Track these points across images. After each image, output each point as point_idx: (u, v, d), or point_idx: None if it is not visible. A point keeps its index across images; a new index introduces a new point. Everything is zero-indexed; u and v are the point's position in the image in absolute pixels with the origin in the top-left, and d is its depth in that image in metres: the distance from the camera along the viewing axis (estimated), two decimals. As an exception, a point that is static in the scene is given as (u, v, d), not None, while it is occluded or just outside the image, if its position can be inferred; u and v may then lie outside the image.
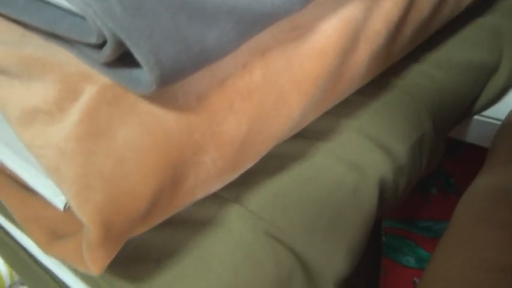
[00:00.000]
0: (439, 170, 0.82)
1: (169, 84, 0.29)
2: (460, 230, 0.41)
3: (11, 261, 0.45)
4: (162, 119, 0.30)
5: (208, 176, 0.32)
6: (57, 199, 0.31)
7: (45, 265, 0.41)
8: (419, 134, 0.46)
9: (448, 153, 0.85)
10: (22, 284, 0.66)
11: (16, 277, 0.57)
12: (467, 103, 0.52)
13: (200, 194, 0.33)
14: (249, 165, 0.35)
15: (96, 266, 0.29)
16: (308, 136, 0.42)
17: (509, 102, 0.56)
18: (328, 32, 0.37)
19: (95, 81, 0.30)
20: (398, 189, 0.45)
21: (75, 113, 0.29)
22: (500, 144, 0.48)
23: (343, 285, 0.42)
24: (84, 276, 0.37)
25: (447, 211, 0.77)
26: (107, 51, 0.26)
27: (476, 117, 0.56)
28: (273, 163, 0.40)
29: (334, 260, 0.40)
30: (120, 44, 0.26)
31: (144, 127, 0.29)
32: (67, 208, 0.31)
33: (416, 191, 0.79)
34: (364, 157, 0.42)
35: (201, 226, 0.36)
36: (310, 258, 0.38)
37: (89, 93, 0.30)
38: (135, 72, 0.27)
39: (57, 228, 0.34)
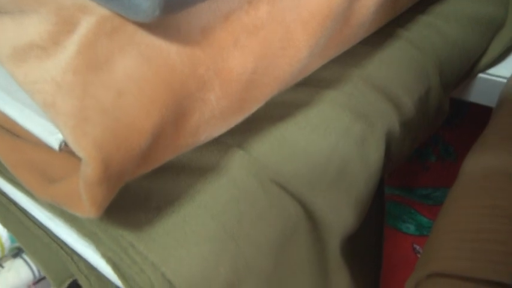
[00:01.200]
0: (437, 139, 0.81)
1: (173, 12, 0.27)
2: (470, 181, 0.40)
3: (2, 218, 0.43)
4: (164, 51, 0.28)
5: (212, 116, 0.31)
6: (52, 138, 0.29)
7: (38, 219, 0.40)
8: (427, 88, 0.45)
9: (446, 122, 0.83)
10: (14, 256, 0.64)
11: (7, 250, 0.55)
12: (473, 58, 0.51)
13: (204, 136, 0.31)
14: (254, 107, 0.33)
15: (94, 206, 0.27)
16: (314, 84, 0.40)
17: (515, 60, 0.54)
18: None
19: (92, 13, 0.28)
20: (404, 144, 0.44)
21: (72, 45, 0.27)
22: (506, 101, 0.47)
23: (348, 242, 0.41)
24: (79, 228, 0.35)
25: (446, 178, 0.76)
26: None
27: (480, 75, 0.54)
28: (277, 111, 0.38)
29: (341, 212, 0.38)
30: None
31: (145, 58, 0.28)
32: (62, 147, 0.29)
33: (415, 160, 0.78)
34: (371, 107, 0.41)
35: (203, 172, 0.34)
36: (316, 209, 0.36)
37: (86, 24, 0.28)
38: (135, -1, 0.25)
39: (51, 172, 0.32)
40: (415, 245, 0.66)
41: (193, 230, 0.32)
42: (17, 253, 0.64)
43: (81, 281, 0.36)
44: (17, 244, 0.54)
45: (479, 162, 0.41)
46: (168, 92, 0.28)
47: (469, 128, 0.81)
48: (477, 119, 0.72)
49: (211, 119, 0.31)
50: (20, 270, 0.65)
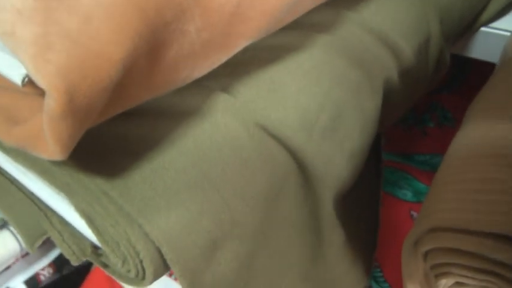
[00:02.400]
0: (435, 105, 0.78)
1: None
2: (473, 131, 0.37)
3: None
4: (137, -27, 0.25)
5: (192, 50, 0.28)
6: (15, 73, 0.26)
7: (11, 174, 0.37)
8: (426, 35, 0.42)
9: (444, 88, 0.80)
10: (0, 227, 0.62)
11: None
12: (476, 8, 0.48)
13: (184, 74, 0.29)
14: (239, 43, 0.30)
15: (58, 144, 0.24)
16: (306, 28, 0.37)
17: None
18: None
19: None
20: (404, 93, 0.41)
21: (32, -33, 0.24)
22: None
23: (343, 199, 0.38)
24: (51, 180, 0.32)
25: (444, 144, 0.73)
26: None
27: (483, 29, 0.51)
28: (266, 54, 0.35)
29: (334, 163, 0.35)
30: None
31: (115, -20, 0.25)
32: (25, 82, 0.26)
33: (413, 126, 0.76)
34: (368, 54, 0.38)
35: (185, 117, 0.31)
36: (307, 159, 0.33)
37: None
38: None
39: (17, 114, 0.29)
40: (412, 212, 0.64)
41: (173, 178, 0.29)
42: (3, 225, 0.62)
43: (54, 238, 0.34)
44: (2, 215, 0.51)
45: (482, 115, 0.38)
46: (141, 19, 0.25)
47: (468, 94, 0.79)
48: (476, 85, 0.70)
49: (191, 54, 0.28)
50: (7, 241, 0.63)
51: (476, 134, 0.36)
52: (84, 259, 0.33)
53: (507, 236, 0.30)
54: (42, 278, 0.70)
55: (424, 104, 0.78)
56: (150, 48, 0.26)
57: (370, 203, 0.46)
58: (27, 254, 0.69)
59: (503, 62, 0.46)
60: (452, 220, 0.32)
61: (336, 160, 0.35)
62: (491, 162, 0.33)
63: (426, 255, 0.34)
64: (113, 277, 0.34)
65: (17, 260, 0.67)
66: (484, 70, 0.55)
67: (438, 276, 0.34)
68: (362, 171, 0.41)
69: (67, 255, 0.33)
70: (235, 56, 0.33)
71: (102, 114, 0.26)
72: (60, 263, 0.72)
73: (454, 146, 0.37)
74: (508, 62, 0.45)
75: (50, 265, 0.71)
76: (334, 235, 0.38)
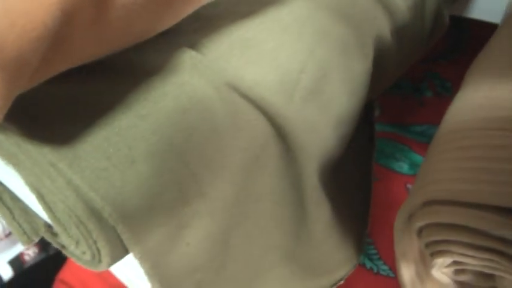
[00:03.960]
0: (433, 74, 0.74)
1: None
2: (474, 93, 0.33)
3: None
4: None
5: (148, -3, 0.24)
6: None
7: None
8: (423, -10, 0.38)
9: (442, 57, 0.76)
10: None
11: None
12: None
13: (141, 25, 0.25)
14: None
15: None
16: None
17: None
18: None
19: None
20: (398, 53, 0.37)
21: None
22: None
23: (330, 171, 0.34)
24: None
25: (442, 115, 0.70)
26: None
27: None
28: (240, 7, 0.31)
29: (318, 131, 0.32)
30: None
31: None
32: None
33: (410, 95, 0.72)
34: (356, 8, 0.34)
35: (145, 77, 0.27)
36: (287, 125, 0.30)
37: None
38: None
39: None
40: (408, 185, 0.60)
41: (129, 146, 0.25)
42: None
43: (3, 215, 0.30)
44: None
45: (484, 74, 0.34)
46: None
47: (467, 63, 0.75)
48: (475, 54, 0.66)
49: (146, 2, 0.24)
50: (-13, 221, 0.59)
51: (475, 96, 0.32)
52: (36, 239, 0.29)
53: (510, 209, 0.27)
54: (27, 258, 0.67)
55: (421, 72, 0.74)
56: None
57: (362, 175, 0.43)
58: (10, 233, 0.66)
59: (506, 20, 0.42)
60: (450, 192, 0.28)
61: (321, 127, 0.31)
62: (494, 126, 0.29)
63: (421, 231, 0.30)
64: (72, 259, 0.30)
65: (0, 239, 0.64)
66: (483, 40, 0.51)
67: (434, 255, 0.30)
68: (352, 141, 0.38)
69: (17, 235, 0.29)
70: (206, 10, 0.29)
71: (41, 72, 0.22)
72: (45, 242, 0.69)
73: (451, 111, 0.34)
74: (510, 19, 0.41)
75: (35, 245, 0.68)
76: (320, 210, 0.34)
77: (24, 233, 0.30)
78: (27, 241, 0.30)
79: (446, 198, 0.28)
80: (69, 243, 0.27)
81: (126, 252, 0.26)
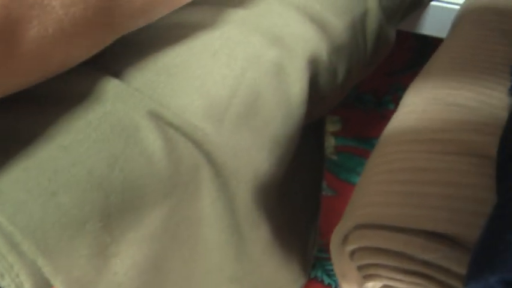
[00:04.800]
0: (397, 86, 0.75)
1: None
2: (409, 114, 0.33)
3: None
4: None
5: (61, 29, 0.24)
6: None
7: None
8: (362, 9, 0.38)
9: (405, 69, 0.77)
10: None
11: None
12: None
13: (57, 56, 0.25)
14: (126, 23, 0.26)
15: None
16: (216, 2, 0.33)
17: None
18: None
19: None
20: (337, 75, 0.37)
21: None
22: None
23: (268, 191, 0.34)
24: None
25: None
26: None
27: (433, 3, 0.48)
28: (168, 33, 0.31)
29: (251, 155, 0.32)
30: None
31: None
32: None
33: (372, 109, 0.72)
34: (289, 29, 0.34)
35: (67, 107, 0.27)
36: (215, 151, 0.30)
37: None
38: None
39: None
40: (368, 199, 0.61)
41: (50, 179, 0.25)
42: None
43: None
44: None
45: (420, 93, 0.35)
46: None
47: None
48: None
49: (60, 33, 0.24)
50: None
51: (411, 114, 0.32)
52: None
53: (436, 233, 0.27)
54: None
55: (385, 86, 0.74)
56: (2, 26, 0.22)
57: (311, 193, 0.43)
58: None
59: (449, 33, 0.42)
60: (378, 216, 0.28)
61: (254, 150, 0.31)
62: (423, 148, 0.30)
63: (353, 254, 0.30)
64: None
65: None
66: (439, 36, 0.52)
67: (365, 278, 0.30)
68: (300, 159, 0.38)
69: None
70: (136, 34, 0.29)
71: None
72: None
73: (387, 128, 0.34)
74: (452, 32, 0.41)
75: None
76: (259, 232, 0.34)
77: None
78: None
79: (374, 222, 0.28)
80: (-6, 275, 0.27)
81: (50, 283, 0.26)
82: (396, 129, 0.32)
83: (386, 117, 0.70)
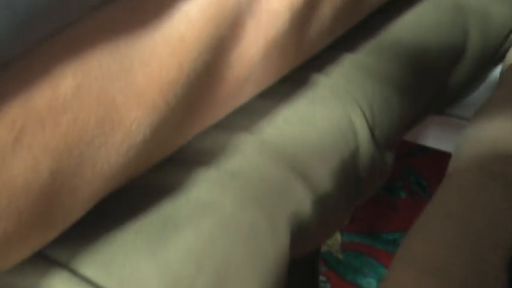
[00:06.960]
0: (408, 170, 0.71)
1: None
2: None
3: None
4: None
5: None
6: None
7: None
8: (352, 147, 0.35)
9: (418, 151, 0.73)
10: None
11: None
12: (422, 101, 0.41)
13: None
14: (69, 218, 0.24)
15: None
16: (187, 161, 0.30)
17: (479, 97, 0.44)
18: (191, 15, 0.25)
19: None
20: (326, 218, 0.34)
21: None
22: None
23: None
24: None
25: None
26: None
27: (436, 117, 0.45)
28: (117, 212, 0.28)
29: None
30: None
31: None
32: None
33: (382, 197, 0.68)
34: (266, 185, 0.31)
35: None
36: None
37: None
38: None
39: None
40: (376, 306, 0.57)
41: None
42: None
43: None
44: None
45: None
46: None
47: (442, 156, 0.72)
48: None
49: None
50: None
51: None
52: None
53: None
54: None
55: (395, 170, 0.71)
56: None
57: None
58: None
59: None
60: None
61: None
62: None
63: None
64: None
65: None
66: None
67: None
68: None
69: None
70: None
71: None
72: None
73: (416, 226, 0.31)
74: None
75: None
76: None
77: None
78: None
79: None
80: None
81: None
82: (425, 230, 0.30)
83: (397, 207, 0.67)
